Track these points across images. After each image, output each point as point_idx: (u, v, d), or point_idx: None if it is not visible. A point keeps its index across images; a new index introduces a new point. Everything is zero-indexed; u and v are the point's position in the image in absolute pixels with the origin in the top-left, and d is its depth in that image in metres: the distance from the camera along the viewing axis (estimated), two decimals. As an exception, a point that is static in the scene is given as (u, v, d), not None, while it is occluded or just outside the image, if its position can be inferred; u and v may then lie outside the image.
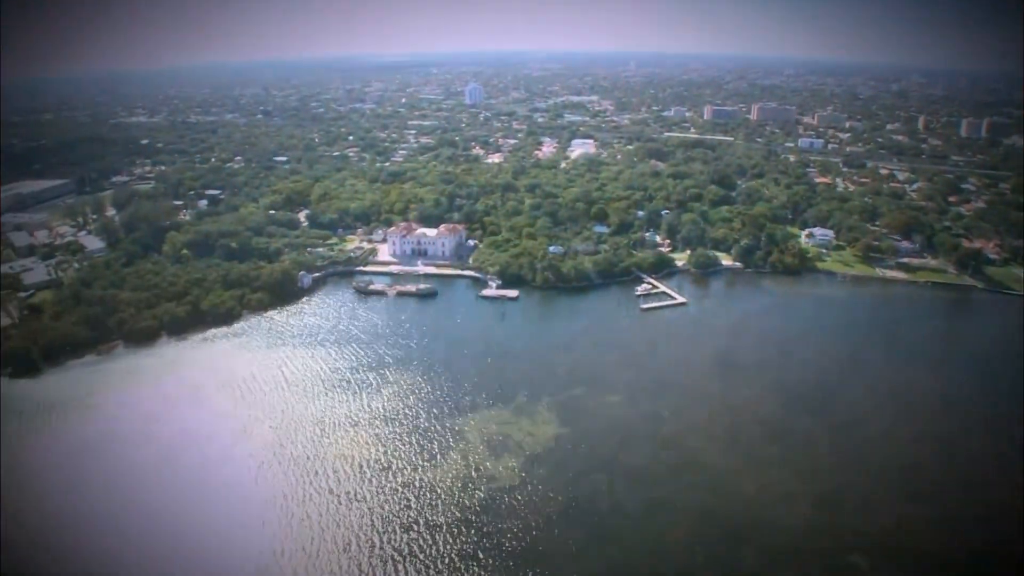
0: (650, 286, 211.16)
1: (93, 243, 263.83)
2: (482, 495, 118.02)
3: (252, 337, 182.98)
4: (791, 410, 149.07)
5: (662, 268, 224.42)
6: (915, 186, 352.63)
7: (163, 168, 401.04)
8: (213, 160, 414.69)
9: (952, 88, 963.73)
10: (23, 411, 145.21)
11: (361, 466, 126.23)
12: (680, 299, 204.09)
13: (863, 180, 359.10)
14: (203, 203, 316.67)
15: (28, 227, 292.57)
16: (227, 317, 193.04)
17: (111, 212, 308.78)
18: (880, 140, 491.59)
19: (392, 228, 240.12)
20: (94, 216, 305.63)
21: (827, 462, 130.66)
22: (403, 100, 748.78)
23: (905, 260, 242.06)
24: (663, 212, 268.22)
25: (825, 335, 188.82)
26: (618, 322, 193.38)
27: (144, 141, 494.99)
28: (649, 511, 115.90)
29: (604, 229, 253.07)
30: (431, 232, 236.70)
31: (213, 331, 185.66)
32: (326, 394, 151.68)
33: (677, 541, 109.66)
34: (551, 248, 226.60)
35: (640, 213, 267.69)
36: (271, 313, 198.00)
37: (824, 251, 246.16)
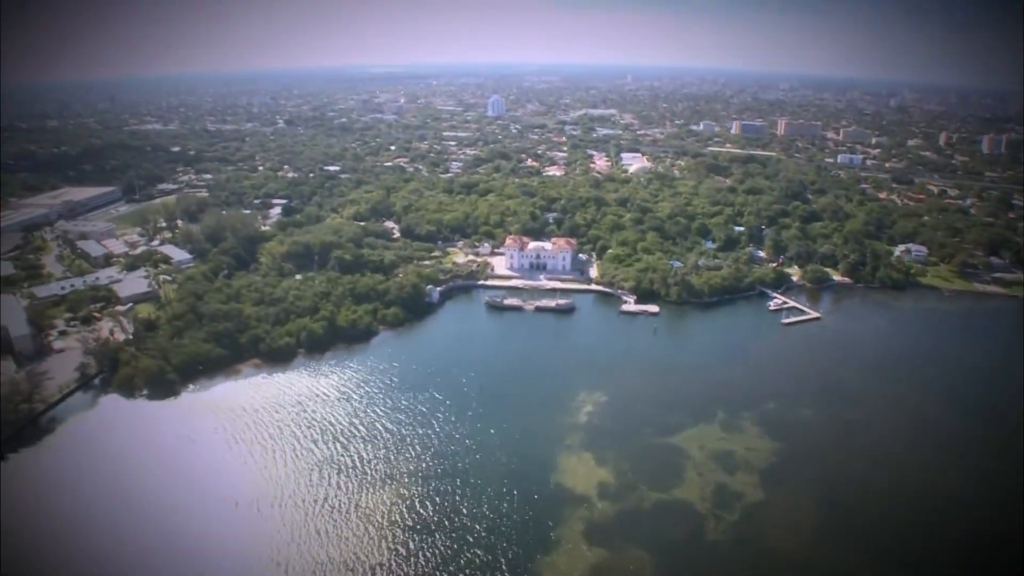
0: (782, 301, 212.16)
1: (178, 253, 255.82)
2: (740, 512, 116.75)
3: (400, 351, 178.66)
4: (976, 418, 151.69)
5: (781, 284, 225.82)
6: (968, 202, 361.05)
7: (210, 176, 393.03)
8: (261, 169, 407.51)
9: (946, 103, 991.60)
10: (163, 436, 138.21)
11: (605, 486, 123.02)
12: (814, 314, 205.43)
13: (919, 196, 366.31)
14: (274, 212, 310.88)
15: (94, 235, 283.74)
16: (365, 333, 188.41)
17: (178, 221, 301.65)
18: (911, 156, 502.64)
19: (509, 241, 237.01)
20: (163, 224, 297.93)
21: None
22: (423, 111, 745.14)
23: (998, 275, 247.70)
24: (762, 228, 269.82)
25: (966, 345, 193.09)
26: (766, 336, 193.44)
27: (175, 148, 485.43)
28: (899, 520, 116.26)
29: (711, 244, 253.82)
30: (547, 246, 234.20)
31: (352, 348, 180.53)
32: (525, 413, 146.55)
33: (935, 545, 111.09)
34: (672, 263, 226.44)
35: (739, 228, 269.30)
36: (407, 329, 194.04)
37: (923, 266, 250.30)
